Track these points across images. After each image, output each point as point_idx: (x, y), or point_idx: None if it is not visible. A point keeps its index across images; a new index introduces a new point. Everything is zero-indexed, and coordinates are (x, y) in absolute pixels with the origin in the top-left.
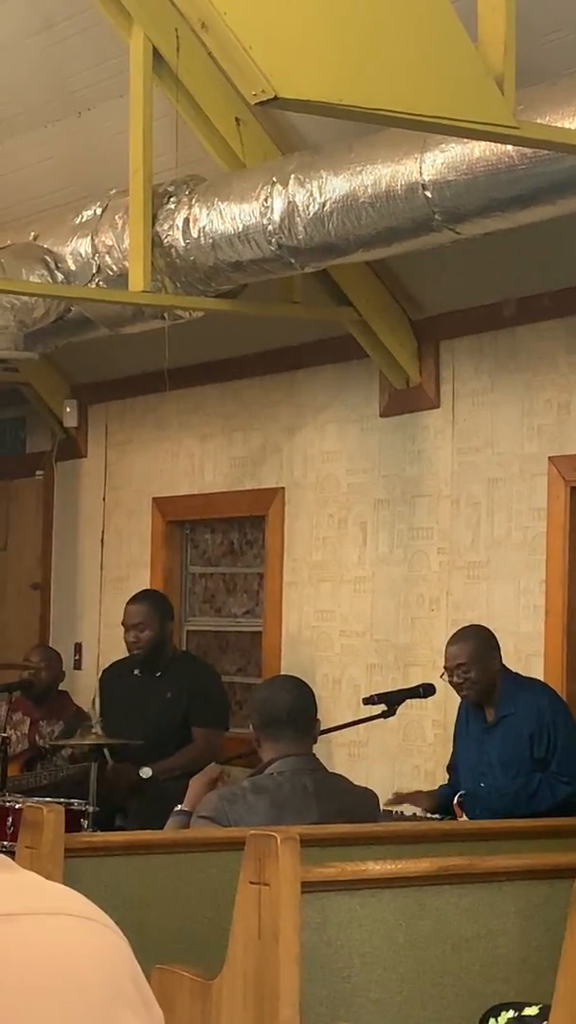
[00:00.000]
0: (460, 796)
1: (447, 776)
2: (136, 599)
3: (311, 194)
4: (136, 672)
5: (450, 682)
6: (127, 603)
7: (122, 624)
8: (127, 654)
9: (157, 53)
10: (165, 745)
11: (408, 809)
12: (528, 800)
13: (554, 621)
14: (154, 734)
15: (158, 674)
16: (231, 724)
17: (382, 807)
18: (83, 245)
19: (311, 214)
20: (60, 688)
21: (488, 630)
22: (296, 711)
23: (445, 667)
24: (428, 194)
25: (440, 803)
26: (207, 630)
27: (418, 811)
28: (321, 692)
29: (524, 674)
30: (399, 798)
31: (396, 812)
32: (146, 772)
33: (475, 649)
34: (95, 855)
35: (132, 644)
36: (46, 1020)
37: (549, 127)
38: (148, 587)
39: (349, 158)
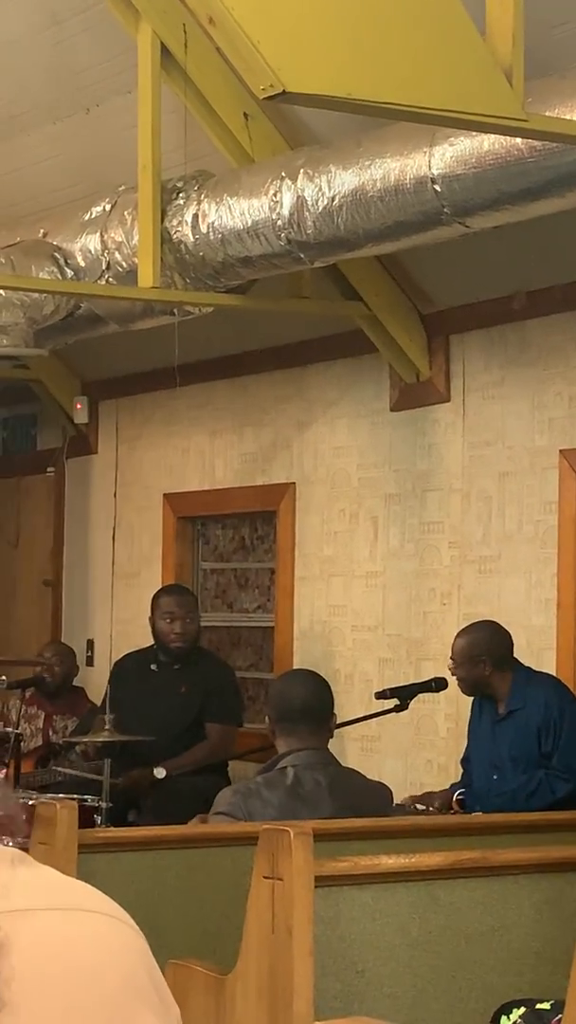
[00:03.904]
0: (459, 794)
1: (461, 769)
2: (180, 590)
3: (320, 189)
4: (153, 667)
5: None
6: (167, 594)
7: (167, 613)
8: (136, 648)
9: (165, 49)
10: (177, 740)
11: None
12: (527, 799)
13: (566, 615)
14: (167, 728)
15: (176, 667)
16: (244, 720)
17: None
18: (92, 241)
19: (320, 209)
20: (74, 684)
21: (491, 632)
22: (311, 705)
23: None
24: (437, 188)
25: (450, 798)
26: (219, 626)
27: (431, 807)
28: (333, 687)
29: (536, 668)
30: (413, 800)
31: (411, 807)
32: (160, 772)
33: (464, 648)
34: (109, 851)
35: (178, 636)
36: (63, 1016)
37: (558, 119)
38: (163, 583)
39: (358, 152)
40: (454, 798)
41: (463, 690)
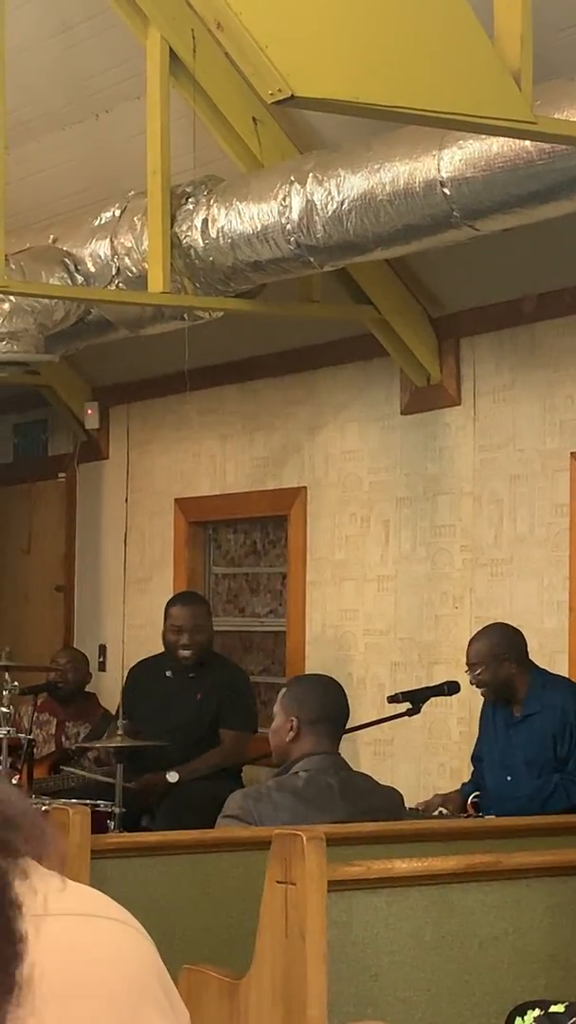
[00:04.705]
0: (474, 796)
1: (471, 767)
2: (189, 600)
3: (329, 193)
4: (168, 674)
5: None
6: (177, 604)
7: (174, 626)
8: (150, 654)
9: (174, 54)
10: (192, 747)
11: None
12: (543, 803)
13: None
14: (182, 735)
15: (191, 675)
16: (258, 725)
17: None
18: (102, 247)
19: (329, 213)
20: (87, 690)
21: (508, 632)
22: (342, 711)
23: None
24: (446, 191)
25: (464, 801)
26: (231, 630)
27: (444, 810)
28: (346, 691)
29: (551, 671)
30: (429, 806)
31: (421, 809)
32: (173, 777)
33: (484, 651)
34: (121, 856)
35: (185, 647)
36: (73, 1021)
37: (567, 122)
38: (174, 588)
39: (367, 156)
40: (469, 801)
41: (486, 694)
